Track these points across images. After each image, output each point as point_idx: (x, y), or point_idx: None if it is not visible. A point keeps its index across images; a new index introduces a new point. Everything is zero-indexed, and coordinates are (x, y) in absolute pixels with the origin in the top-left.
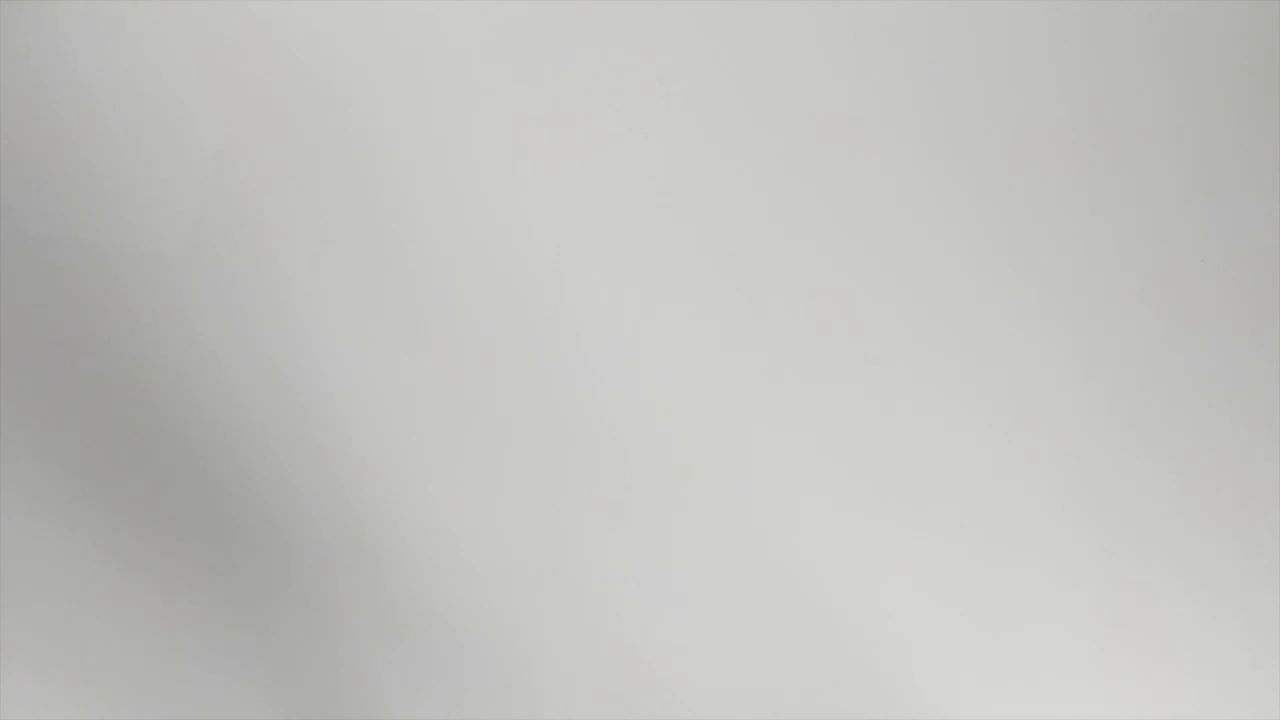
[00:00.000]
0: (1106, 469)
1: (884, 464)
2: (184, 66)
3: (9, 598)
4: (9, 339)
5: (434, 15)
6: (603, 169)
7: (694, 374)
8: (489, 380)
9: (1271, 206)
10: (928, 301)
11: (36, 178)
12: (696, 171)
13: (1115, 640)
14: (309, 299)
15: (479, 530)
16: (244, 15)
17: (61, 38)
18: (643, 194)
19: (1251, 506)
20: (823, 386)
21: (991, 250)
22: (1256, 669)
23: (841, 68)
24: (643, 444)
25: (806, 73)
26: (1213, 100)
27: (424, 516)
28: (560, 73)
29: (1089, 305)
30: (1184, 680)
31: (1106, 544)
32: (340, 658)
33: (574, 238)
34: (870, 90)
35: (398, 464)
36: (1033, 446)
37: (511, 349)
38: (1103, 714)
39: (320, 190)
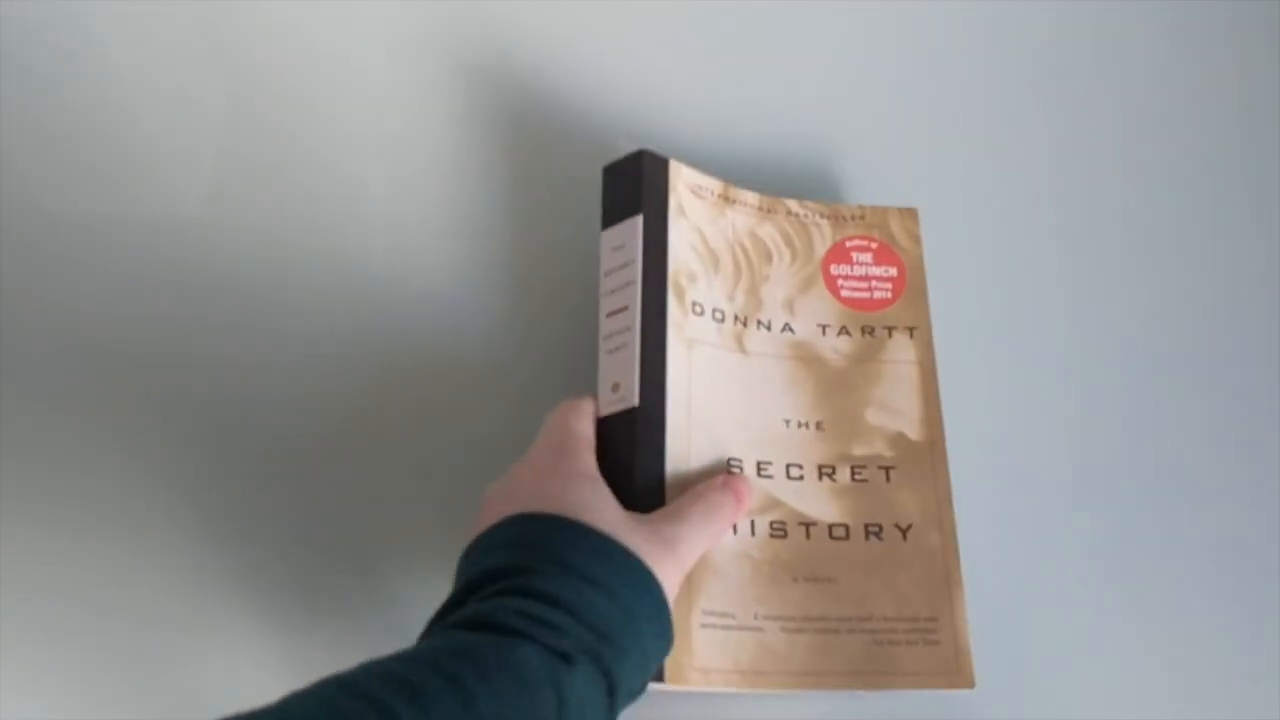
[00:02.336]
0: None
1: None
2: (192, 48)
3: (14, 590)
4: (33, 309)
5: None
6: None
7: None
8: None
9: None
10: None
11: (59, 155)
12: None
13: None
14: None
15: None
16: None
17: (83, 26)
18: None
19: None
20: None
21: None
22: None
23: None
24: None
25: None
26: None
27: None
28: None
29: (1105, 312)
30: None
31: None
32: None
33: None
34: None
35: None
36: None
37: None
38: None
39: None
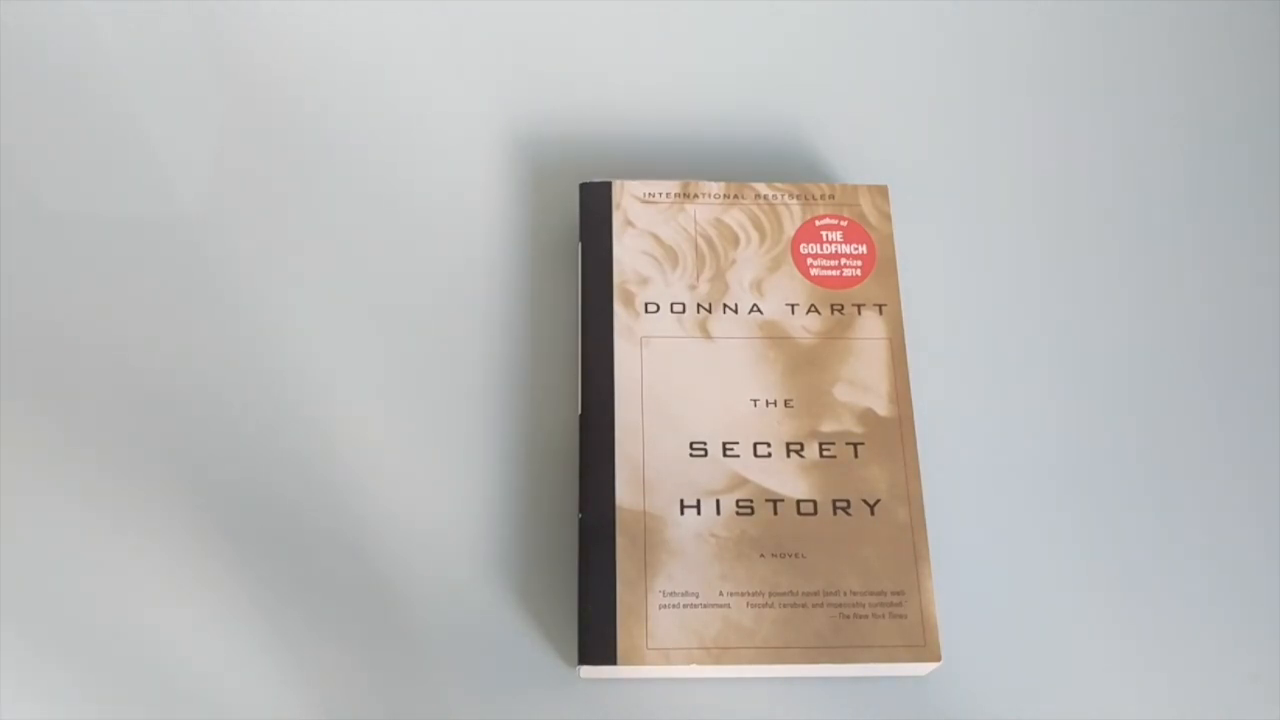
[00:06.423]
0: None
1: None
2: (190, 51)
3: (15, 594)
4: (33, 307)
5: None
6: None
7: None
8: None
9: None
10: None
11: (61, 156)
12: None
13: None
14: (308, 259)
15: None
16: (241, 8)
17: (86, 29)
18: None
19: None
20: None
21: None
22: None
23: None
24: None
25: None
26: None
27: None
28: None
29: (1101, 324)
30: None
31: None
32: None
33: None
34: None
35: (390, 430)
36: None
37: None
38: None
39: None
